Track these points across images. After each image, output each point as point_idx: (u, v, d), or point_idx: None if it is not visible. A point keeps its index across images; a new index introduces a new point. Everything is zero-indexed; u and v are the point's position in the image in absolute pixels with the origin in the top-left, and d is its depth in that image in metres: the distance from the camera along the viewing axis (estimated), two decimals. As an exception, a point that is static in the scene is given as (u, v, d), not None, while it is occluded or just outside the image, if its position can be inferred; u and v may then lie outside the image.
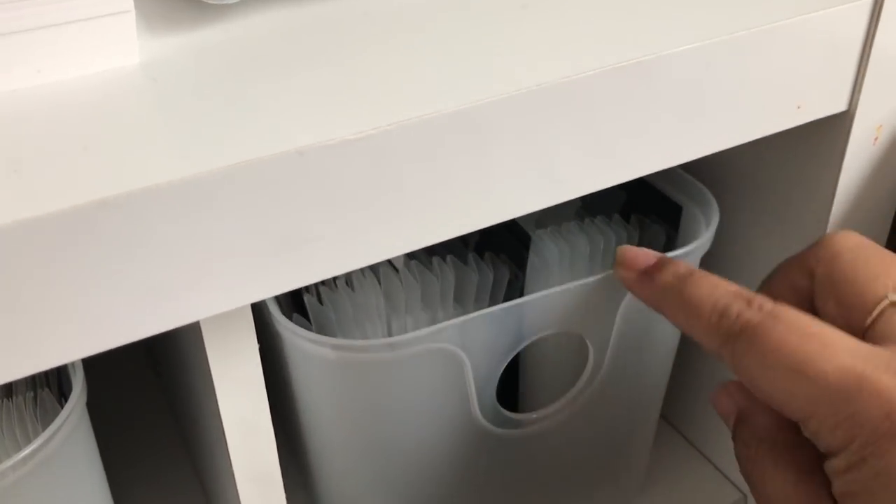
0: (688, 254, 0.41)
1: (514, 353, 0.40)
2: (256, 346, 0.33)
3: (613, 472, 0.50)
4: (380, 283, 0.42)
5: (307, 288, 0.42)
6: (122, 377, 0.61)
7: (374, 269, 0.43)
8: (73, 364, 0.36)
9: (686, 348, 0.50)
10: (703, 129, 0.36)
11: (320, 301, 0.42)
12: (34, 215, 0.25)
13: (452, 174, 0.30)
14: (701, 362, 0.55)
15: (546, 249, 0.43)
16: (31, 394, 0.38)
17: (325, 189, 0.28)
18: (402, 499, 0.44)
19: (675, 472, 0.56)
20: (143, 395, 0.61)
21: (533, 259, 0.43)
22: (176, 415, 0.57)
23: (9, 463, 0.33)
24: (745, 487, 0.54)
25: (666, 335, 0.45)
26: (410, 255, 0.44)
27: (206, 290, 0.29)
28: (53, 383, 0.39)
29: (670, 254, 0.41)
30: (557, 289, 0.39)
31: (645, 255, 0.38)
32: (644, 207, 0.47)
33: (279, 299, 0.38)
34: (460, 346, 0.38)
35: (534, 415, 0.42)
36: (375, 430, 0.41)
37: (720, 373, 0.54)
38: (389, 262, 0.44)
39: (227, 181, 0.27)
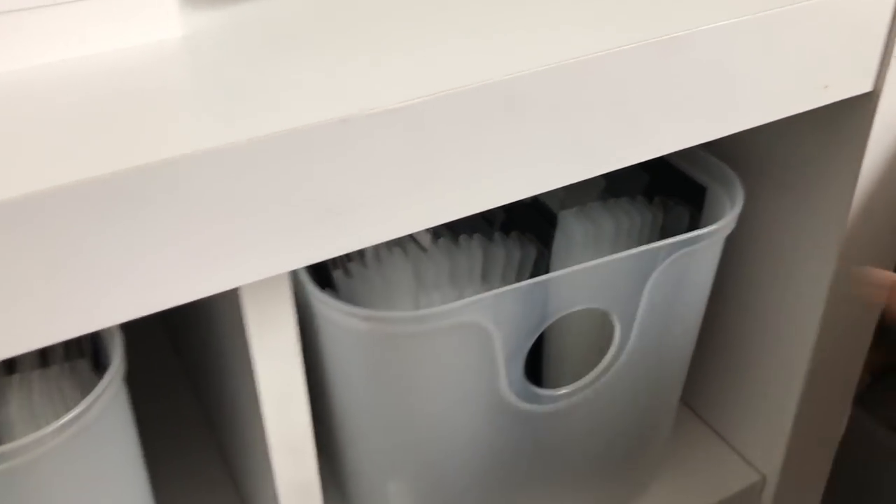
0: (713, 233, 0.42)
1: (543, 328, 0.40)
2: (294, 315, 0.34)
3: (634, 452, 0.51)
4: (408, 260, 0.43)
5: (335, 263, 0.43)
6: (142, 355, 0.62)
7: (402, 245, 0.44)
8: (111, 334, 0.36)
9: (705, 333, 0.50)
10: (731, 107, 0.36)
11: (349, 277, 0.42)
12: (82, 179, 0.26)
13: (488, 145, 0.31)
14: (719, 347, 0.56)
15: (572, 228, 0.44)
16: (67, 364, 0.38)
17: (366, 157, 0.29)
18: (428, 471, 0.44)
19: (694, 454, 0.56)
20: (164, 373, 0.62)
21: (559, 237, 0.44)
22: (199, 391, 0.58)
23: (48, 429, 0.33)
24: (765, 469, 0.55)
25: (690, 314, 0.46)
26: (437, 233, 0.45)
27: (249, 256, 0.29)
28: (88, 353, 0.39)
29: (694, 233, 0.41)
30: (587, 264, 0.39)
31: (887, 274, 0.42)
32: (667, 189, 0.48)
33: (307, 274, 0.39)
34: (490, 320, 0.38)
35: (561, 390, 0.43)
36: (404, 403, 0.41)
37: (737, 357, 0.54)
38: (416, 240, 0.45)
39: (272, 148, 0.28)
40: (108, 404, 0.35)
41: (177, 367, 0.63)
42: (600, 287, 0.40)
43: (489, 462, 0.45)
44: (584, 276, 0.40)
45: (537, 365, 0.47)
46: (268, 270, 0.30)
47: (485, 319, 0.38)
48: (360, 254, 0.44)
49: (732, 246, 0.51)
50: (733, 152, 0.48)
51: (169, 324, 0.63)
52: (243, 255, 0.29)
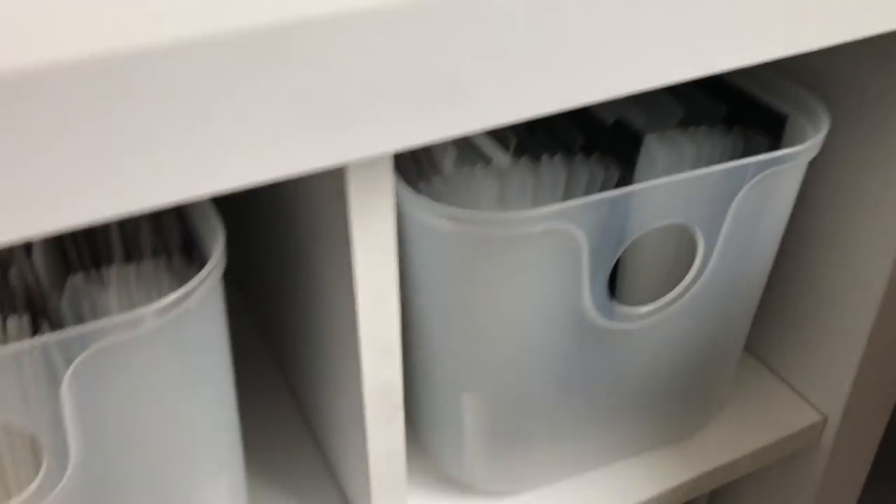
0: (799, 153, 0.42)
1: (629, 242, 0.40)
2: (394, 207, 0.34)
3: (701, 383, 0.51)
4: (491, 176, 0.43)
5: (417, 177, 0.43)
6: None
7: (484, 163, 0.44)
8: (211, 227, 0.36)
9: (770, 273, 0.50)
10: (825, 17, 0.36)
11: (431, 191, 0.42)
12: (203, 37, 0.26)
13: (611, 30, 0.31)
14: (783, 288, 0.56)
15: (656, 152, 0.44)
16: (162, 259, 0.39)
17: (494, 33, 0.29)
18: (503, 385, 0.45)
19: (755, 394, 0.57)
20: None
21: (643, 160, 0.44)
22: (262, 311, 0.58)
23: (149, 309, 0.33)
24: (827, 410, 0.55)
25: (768, 241, 0.46)
26: (518, 152, 0.45)
27: (364, 129, 0.29)
28: (176, 251, 0.40)
29: (781, 152, 0.41)
30: (677, 177, 0.39)
31: None
32: (745, 120, 0.48)
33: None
34: (579, 228, 0.38)
35: (643, 308, 0.43)
36: (485, 312, 0.41)
37: (801, 298, 0.54)
38: (498, 157, 0.45)
39: (399, 17, 0.28)
40: (207, 295, 0.35)
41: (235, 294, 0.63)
42: (687, 202, 0.40)
43: (562, 380, 0.45)
44: (673, 190, 0.40)
45: (610, 286, 0.47)
46: (383, 146, 0.30)
47: (574, 227, 0.38)
48: (441, 169, 0.44)
49: (815, 176, 0.51)
50: (815, 82, 0.48)
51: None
52: (359, 128, 0.29)
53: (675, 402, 0.50)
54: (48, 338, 0.32)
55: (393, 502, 0.46)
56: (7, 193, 0.25)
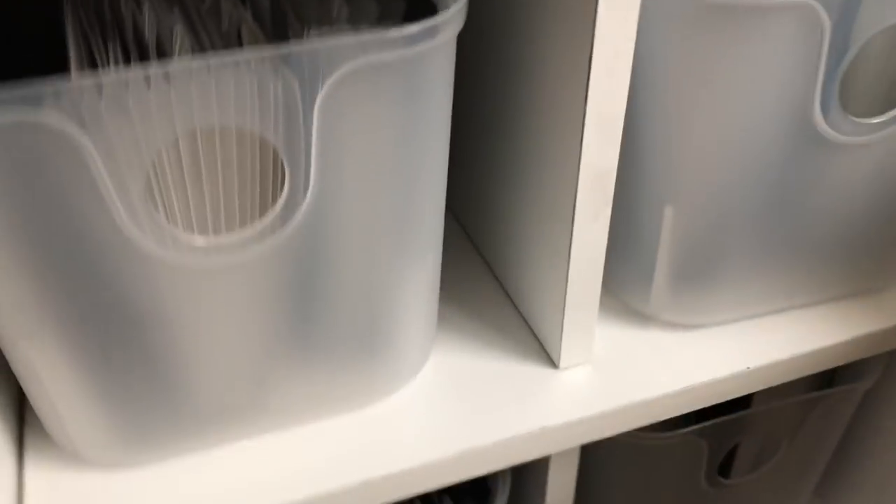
0: None
1: (866, 39, 0.39)
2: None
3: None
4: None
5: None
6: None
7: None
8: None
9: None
10: None
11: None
12: None
13: None
14: None
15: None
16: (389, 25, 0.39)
17: None
18: (709, 193, 0.43)
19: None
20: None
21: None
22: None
23: (402, 32, 0.33)
24: None
25: None
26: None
27: None
28: (398, 20, 0.40)
29: None
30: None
31: None
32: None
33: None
34: (825, 9, 0.37)
35: (871, 119, 0.41)
36: (706, 103, 0.40)
37: None
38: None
39: None
40: (446, 41, 0.35)
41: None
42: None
43: (770, 198, 0.44)
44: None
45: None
46: None
47: (819, 6, 0.37)
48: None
49: None
50: None
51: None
52: None
53: (873, 246, 0.49)
54: (307, 44, 0.32)
55: (586, 312, 0.45)
56: None
